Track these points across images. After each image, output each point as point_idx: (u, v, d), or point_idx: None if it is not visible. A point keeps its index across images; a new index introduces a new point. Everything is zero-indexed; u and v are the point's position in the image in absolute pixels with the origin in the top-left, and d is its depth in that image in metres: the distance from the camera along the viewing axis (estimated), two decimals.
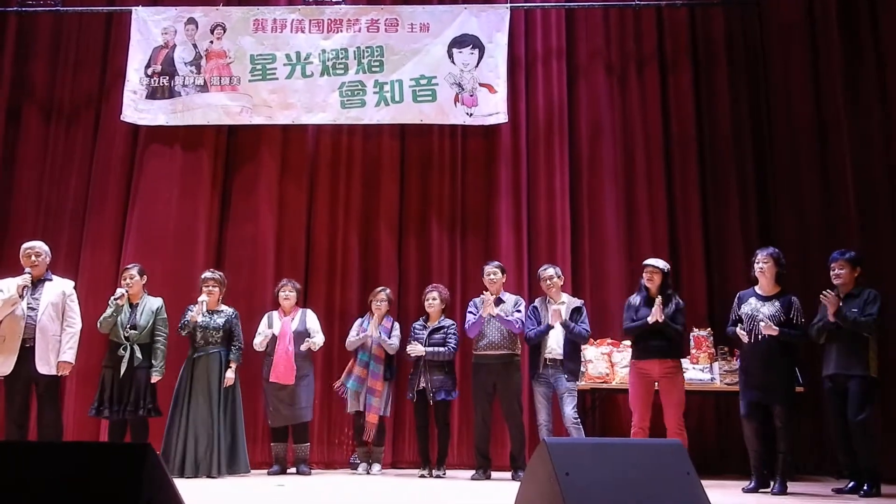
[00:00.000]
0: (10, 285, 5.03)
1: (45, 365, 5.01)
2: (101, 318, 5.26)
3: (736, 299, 5.05)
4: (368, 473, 5.55)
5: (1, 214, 6.59)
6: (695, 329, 5.86)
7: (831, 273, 4.78)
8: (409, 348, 5.48)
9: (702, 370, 5.67)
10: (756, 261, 4.93)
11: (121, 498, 2.33)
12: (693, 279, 6.38)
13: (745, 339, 4.80)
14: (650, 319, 4.90)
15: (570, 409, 5.17)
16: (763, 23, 6.73)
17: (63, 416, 5.50)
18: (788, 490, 4.62)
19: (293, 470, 5.61)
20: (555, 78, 6.77)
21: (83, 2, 6.89)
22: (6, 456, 2.52)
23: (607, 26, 6.89)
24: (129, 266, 5.54)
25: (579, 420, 5.22)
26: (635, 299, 5.13)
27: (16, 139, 6.75)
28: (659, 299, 4.93)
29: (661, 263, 5.13)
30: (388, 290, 5.84)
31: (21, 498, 2.35)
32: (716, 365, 5.68)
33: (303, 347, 5.56)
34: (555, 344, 5.29)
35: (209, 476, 5.09)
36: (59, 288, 5.24)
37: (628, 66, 6.82)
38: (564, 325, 5.26)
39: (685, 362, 5.69)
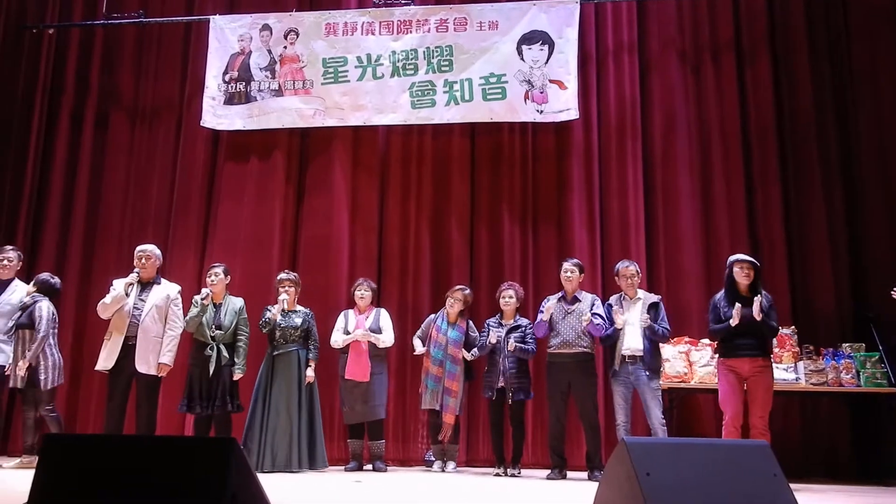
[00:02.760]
0: (122, 284, 5.35)
1: (144, 364, 5.26)
2: (188, 317, 5.46)
3: None
4: (443, 471, 5.58)
5: (91, 219, 6.93)
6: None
7: None
8: (498, 337, 5.42)
9: (786, 370, 5.47)
10: None
11: (208, 489, 2.42)
12: (775, 275, 6.15)
13: None
14: (733, 322, 4.74)
15: (657, 410, 5.06)
16: (846, 6, 6.46)
17: None
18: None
19: (369, 466, 5.69)
20: (626, 71, 6.66)
21: (164, 12, 7.19)
22: (104, 448, 2.64)
23: (680, 16, 6.73)
24: (214, 265, 5.73)
25: (665, 421, 5.11)
26: (720, 299, 4.94)
27: (104, 146, 7.10)
28: (738, 307, 4.75)
29: (752, 259, 4.97)
30: (467, 291, 5.81)
31: (117, 488, 2.46)
32: (800, 364, 5.46)
33: (358, 334, 5.58)
34: (632, 340, 5.19)
35: (288, 471, 5.22)
36: (165, 292, 5.49)
37: (703, 56, 6.63)
38: (648, 328, 5.14)
39: None
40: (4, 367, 5.48)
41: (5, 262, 5.74)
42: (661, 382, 5.38)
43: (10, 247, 5.92)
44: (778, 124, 6.41)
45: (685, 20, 6.71)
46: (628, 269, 5.38)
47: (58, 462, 2.51)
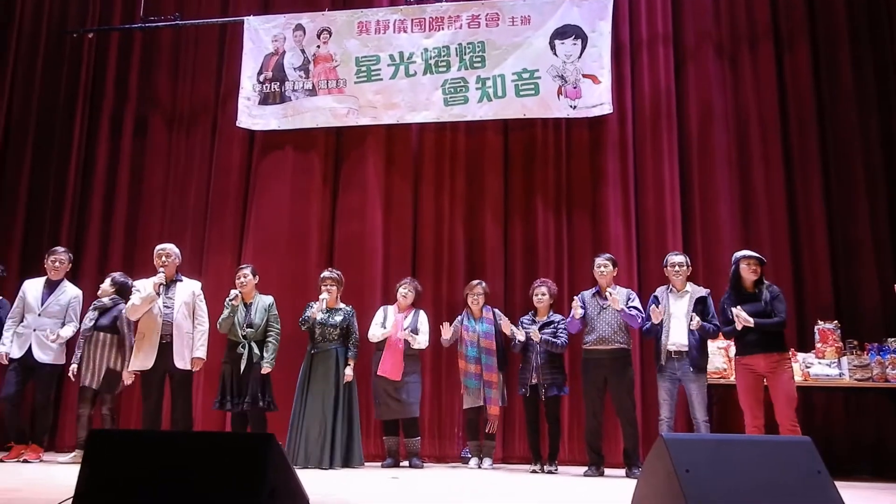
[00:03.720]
0: (147, 285, 5.46)
1: (181, 360, 5.41)
2: (220, 319, 5.56)
3: None
4: (480, 468, 5.57)
5: (132, 220, 7.08)
6: (820, 322, 5.54)
7: None
8: (526, 333, 5.41)
9: (828, 365, 5.35)
10: None
11: (248, 484, 2.45)
12: (817, 269, 6.02)
13: None
14: (738, 327, 4.70)
15: (702, 409, 4.98)
16: None
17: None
18: None
19: (406, 463, 5.71)
20: (661, 63, 6.55)
21: (199, 15, 7.30)
22: (144, 445, 2.69)
23: (716, 5, 6.61)
24: (242, 266, 5.82)
25: (709, 421, 5.04)
26: (727, 298, 4.88)
27: (142, 148, 7.24)
28: (739, 309, 4.69)
29: (758, 255, 4.91)
30: (483, 284, 5.82)
31: (158, 482, 2.50)
32: (844, 359, 5.33)
33: (400, 334, 5.62)
34: (678, 335, 5.10)
35: (324, 467, 5.25)
36: (190, 288, 5.63)
37: (740, 45, 6.50)
38: (699, 330, 5.05)
39: (810, 357, 5.40)
40: (52, 364, 5.63)
41: (57, 263, 5.88)
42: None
43: (62, 248, 6.07)
44: (818, 113, 6.26)
45: (721, 8, 6.59)
46: (675, 257, 5.30)
47: (103, 457, 2.56)
